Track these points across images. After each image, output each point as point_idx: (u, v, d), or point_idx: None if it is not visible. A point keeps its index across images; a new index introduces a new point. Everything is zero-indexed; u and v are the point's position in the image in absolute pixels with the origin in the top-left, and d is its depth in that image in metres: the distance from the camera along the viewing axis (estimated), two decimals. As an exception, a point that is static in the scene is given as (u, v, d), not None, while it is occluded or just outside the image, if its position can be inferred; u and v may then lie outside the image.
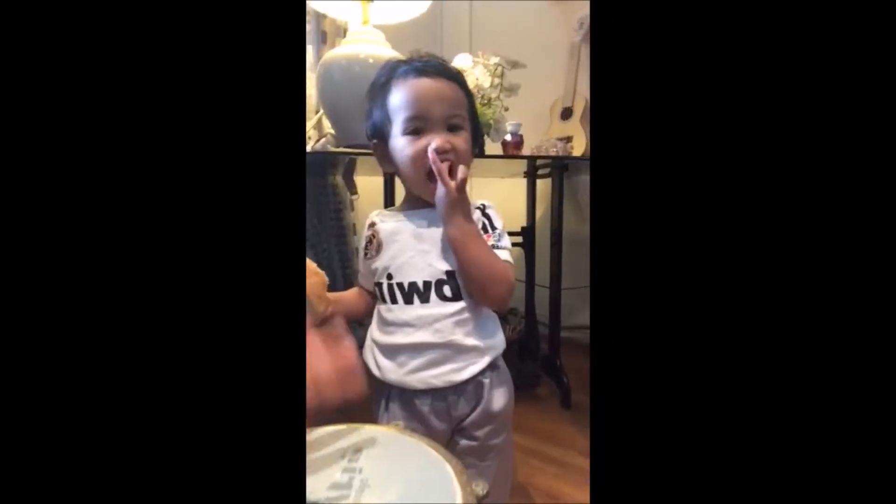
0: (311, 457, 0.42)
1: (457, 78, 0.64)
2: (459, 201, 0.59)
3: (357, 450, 0.43)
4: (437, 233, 0.62)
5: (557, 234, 1.49)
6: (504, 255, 0.62)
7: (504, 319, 1.65)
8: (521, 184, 1.76)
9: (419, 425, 0.62)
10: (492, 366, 0.64)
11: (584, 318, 1.99)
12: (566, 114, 1.79)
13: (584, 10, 1.83)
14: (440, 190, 0.58)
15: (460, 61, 1.41)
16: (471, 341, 0.61)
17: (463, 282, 0.60)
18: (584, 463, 1.15)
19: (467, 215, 0.60)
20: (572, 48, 1.80)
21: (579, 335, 1.95)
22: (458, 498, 0.36)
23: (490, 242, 0.62)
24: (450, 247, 0.60)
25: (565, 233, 1.51)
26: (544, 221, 1.67)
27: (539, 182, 1.75)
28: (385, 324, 0.63)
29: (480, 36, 2.16)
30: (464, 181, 0.58)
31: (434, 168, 0.58)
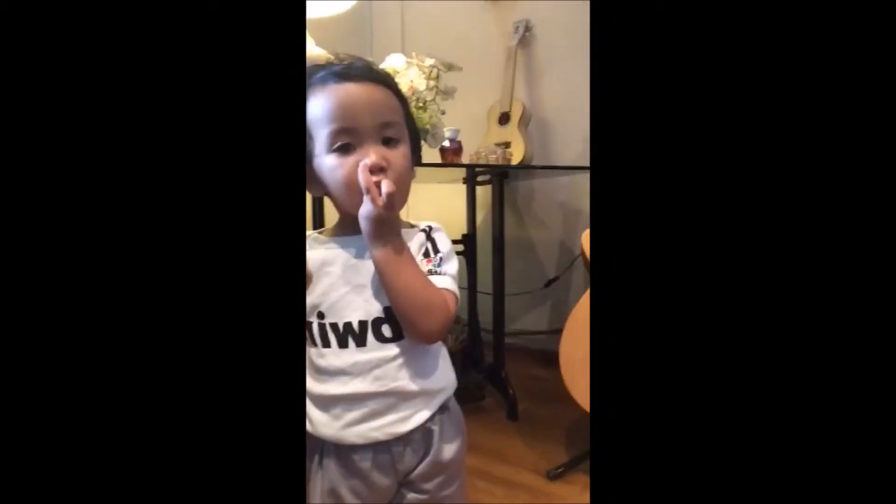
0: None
1: (386, 81, 0.55)
2: (386, 219, 0.50)
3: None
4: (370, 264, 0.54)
5: (499, 241, 1.46)
6: (444, 281, 0.54)
7: (447, 330, 1.60)
8: (461, 189, 1.72)
9: (359, 483, 0.54)
10: (441, 408, 0.57)
11: (526, 323, 1.98)
12: (504, 119, 1.76)
13: (521, 13, 1.82)
14: (365, 206, 0.49)
15: (393, 62, 1.33)
16: (417, 386, 0.53)
17: (395, 311, 0.52)
18: (534, 481, 1.12)
19: (396, 235, 0.51)
20: (509, 52, 1.78)
21: (523, 341, 1.94)
22: None
23: (427, 268, 0.54)
24: (376, 272, 0.52)
25: (505, 239, 1.48)
26: (485, 228, 1.64)
27: (478, 188, 1.71)
28: (317, 371, 0.54)
29: (413, 36, 2.09)
30: (392, 196, 0.49)
31: (361, 180, 0.48)
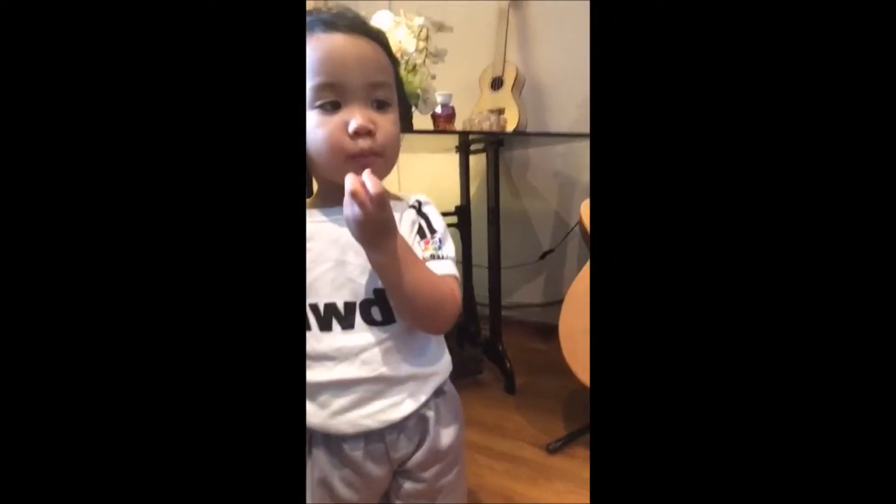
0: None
1: (379, 37, 0.48)
2: (381, 222, 0.41)
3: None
4: None
5: (495, 212, 1.41)
6: (446, 266, 0.49)
7: (442, 305, 1.56)
8: (453, 159, 1.65)
9: (351, 473, 0.50)
10: (437, 392, 0.52)
11: (522, 296, 1.95)
12: (496, 84, 1.68)
13: (512, -31, 1.71)
14: (352, 209, 0.40)
15: (379, 20, 1.24)
16: (408, 370, 0.49)
17: (398, 312, 0.47)
18: (535, 455, 1.10)
19: (392, 236, 0.43)
20: (501, 12, 1.68)
21: (519, 314, 1.92)
22: None
23: (428, 252, 0.49)
24: (377, 276, 0.46)
25: (501, 210, 1.43)
26: (479, 199, 1.58)
27: (471, 157, 1.64)
28: None
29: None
30: (382, 196, 0.40)
31: (347, 183, 0.40)
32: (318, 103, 0.45)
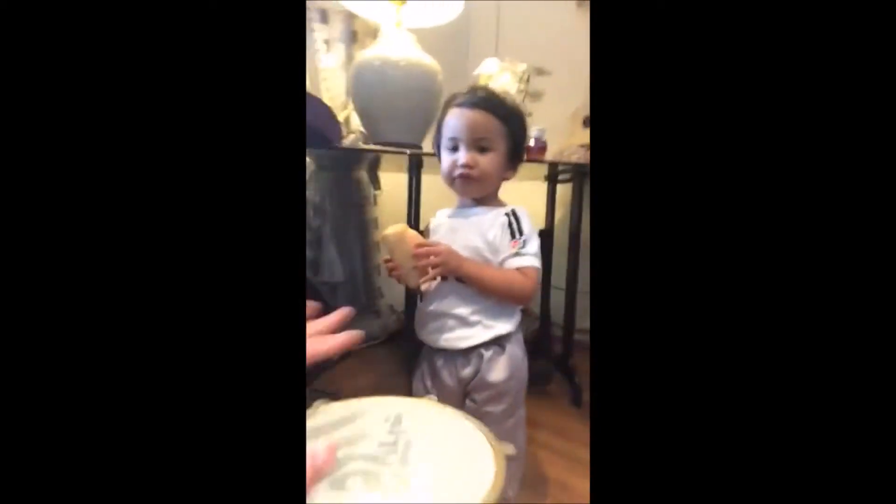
0: (357, 423, 0.48)
1: (494, 108, 0.74)
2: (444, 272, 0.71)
3: (398, 417, 0.48)
4: (464, 226, 0.77)
5: (575, 238, 1.53)
6: (526, 261, 0.73)
7: (518, 319, 1.69)
8: (541, 187, 1.80)
9: (434, 379, 0.78)
10: (496, 342, 0.75)
11: (596, 321, 2.00)
12: (587, 122, 1.82)
13: (611, 20, 1.85)
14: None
15: (487, 66, 1.46)
16: (475, 317, 0.74)
17: (483, 294, 0.74)
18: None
19: (460, 266, 0.71)
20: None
21: (588, 338, 1.97)
22: (491, 454, 0.42)
23: (514, 250, 0.73)
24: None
25: (583, 237, 1.55)
26: (562, 225, 1.71)
27: (559, 186, 1.78)
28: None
29: (507, 40, 2.20)
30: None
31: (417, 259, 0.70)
32: (446, 147, 0.76)
